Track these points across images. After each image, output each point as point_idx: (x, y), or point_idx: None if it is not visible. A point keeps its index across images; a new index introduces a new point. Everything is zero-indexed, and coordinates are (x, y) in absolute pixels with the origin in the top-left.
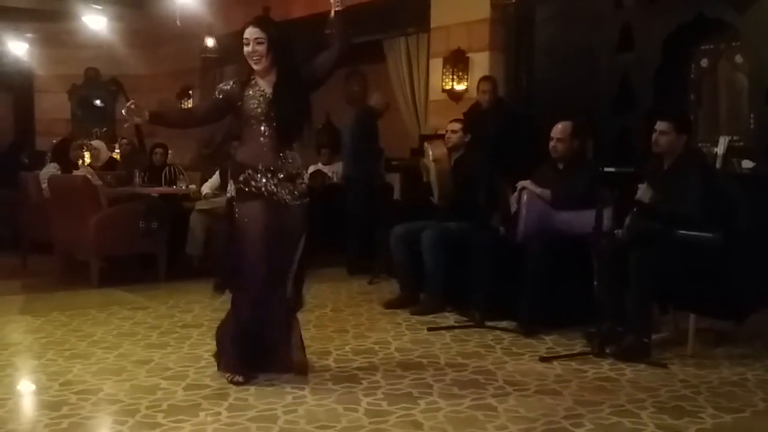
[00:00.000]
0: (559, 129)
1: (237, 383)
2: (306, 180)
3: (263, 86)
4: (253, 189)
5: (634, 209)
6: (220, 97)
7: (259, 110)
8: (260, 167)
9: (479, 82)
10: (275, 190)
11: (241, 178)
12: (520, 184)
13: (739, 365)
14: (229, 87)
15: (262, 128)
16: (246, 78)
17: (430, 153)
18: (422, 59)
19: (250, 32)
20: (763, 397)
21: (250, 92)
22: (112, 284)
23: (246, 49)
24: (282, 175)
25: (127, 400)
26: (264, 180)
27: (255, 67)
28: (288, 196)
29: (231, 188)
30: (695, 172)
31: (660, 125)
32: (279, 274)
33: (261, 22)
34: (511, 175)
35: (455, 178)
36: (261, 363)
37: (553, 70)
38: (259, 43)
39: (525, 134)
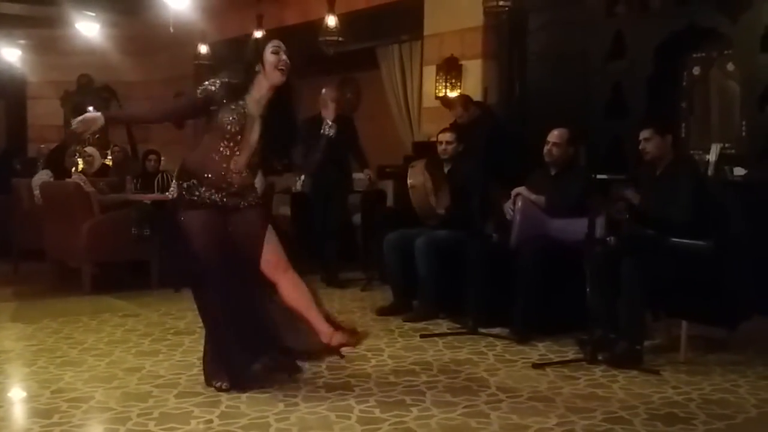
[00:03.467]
0: (555, 134)
1: (222, 390)
2: (262, 189)
3: (249, 106)
4: (195, 198)
5: (626, 216)
6: (200, 97)
7: (234, 129)
8: (208, 177)
9: (451, 108)
10: (222, 201)
11: (185, 185)
12: (516, 190)
13: (731, 372)
14: (215, 89)
15: (225, 143)
16: (236, 88)
17: (408, 179)
18: (415, 66)
19: (281, 44)
20: (755, 404)
21: (232, 106)
22: (104, 291)
23: (276, 57)
24: (233, 190)
25: (118, 407)
26: (208, 193)
27: (279, 79)
28: (235, 202)
29: (174, 190)
30: (686, 178)
31: (642, 134)
32: (246, 271)
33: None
34: (503, 182)
35: (450, 187)
36: (254, 361)
37: (546, 77)
38: (287, 57)
39: (513, 141)
